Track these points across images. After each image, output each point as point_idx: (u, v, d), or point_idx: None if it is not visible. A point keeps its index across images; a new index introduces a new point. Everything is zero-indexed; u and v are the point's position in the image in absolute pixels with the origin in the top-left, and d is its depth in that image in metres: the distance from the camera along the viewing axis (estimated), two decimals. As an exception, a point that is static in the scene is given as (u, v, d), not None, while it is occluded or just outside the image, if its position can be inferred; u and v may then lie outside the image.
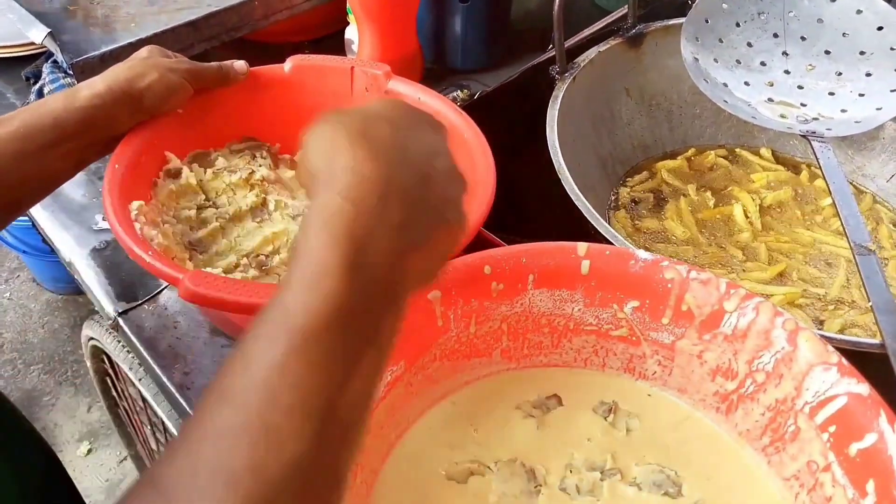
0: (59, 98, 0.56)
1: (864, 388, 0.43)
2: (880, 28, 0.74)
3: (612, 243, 0.58)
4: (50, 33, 0.76)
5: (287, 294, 0.29)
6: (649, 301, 0.51)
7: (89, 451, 1.62)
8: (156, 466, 0.28)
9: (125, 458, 1.56)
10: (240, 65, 0.67)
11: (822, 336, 0.47)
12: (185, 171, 0.64)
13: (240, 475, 0.26)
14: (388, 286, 0.31)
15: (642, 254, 0.51)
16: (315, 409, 0.28)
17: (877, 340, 0.52)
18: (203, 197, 0.64)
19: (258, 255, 0.60)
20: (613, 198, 0.81)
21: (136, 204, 0.57)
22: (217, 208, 0.64)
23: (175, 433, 0.66)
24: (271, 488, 0.26)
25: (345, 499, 0.29)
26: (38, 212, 0.79)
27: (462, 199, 0.36)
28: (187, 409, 0.60)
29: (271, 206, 0.64)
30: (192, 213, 0.63)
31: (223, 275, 0.58)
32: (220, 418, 0.28)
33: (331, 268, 0.29)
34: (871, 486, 0.41)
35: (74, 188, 0.81)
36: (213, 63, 0.65)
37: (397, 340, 0.33)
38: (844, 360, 0.45)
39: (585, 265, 0.51)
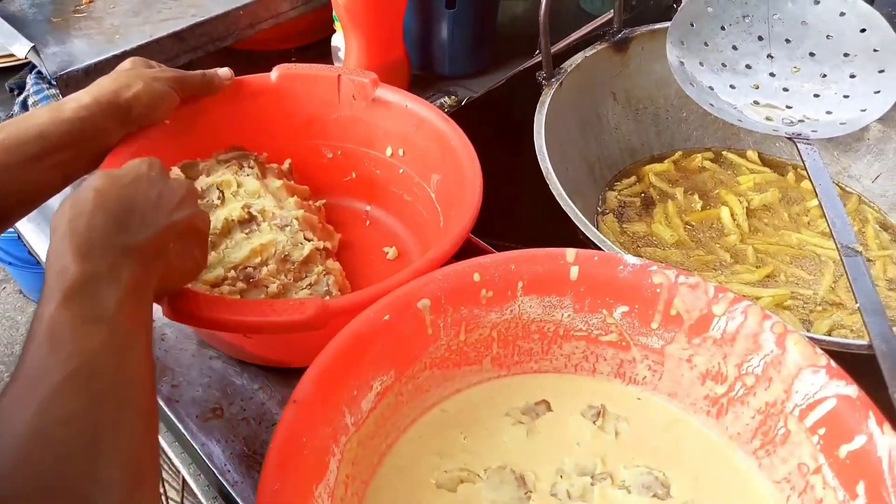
0: (45, 111, 0.56)
1: (852, 390, 0.43)
2: (863, 30, 0.75)
3: (600, 248, 0.58)
4: (33, 47, 0.76)
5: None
6: (638, 306, 0.51)
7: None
8: None
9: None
10: (224, 72, 0.67)
11: (810, 338, 0.47)
12: (172, 181, 0.63)
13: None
14: (111, 268, 0.40)
15: (630, 259, 0.51)
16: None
17: (864, 342, 0.52)
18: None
19: (245, 268, 0.59)
20: (601, 202, 0.81)
21: (121, 216, 0.56)
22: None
23: (163, 445, 0.65)
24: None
25: None
26: (24, 224, 0.78)
27: (179, 207, 0.46)
28: (175, 421, 0.59)
29: (258, 216, 0.64)
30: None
31: (209, 288, 0.57)
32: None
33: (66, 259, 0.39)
34: (860, 488, 0.41)
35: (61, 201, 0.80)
36: (197, 71, 0.65)
37: (391, 348, 0.37)
38: (833, 363, 0.45)
39: (574, 271, 0.51)
